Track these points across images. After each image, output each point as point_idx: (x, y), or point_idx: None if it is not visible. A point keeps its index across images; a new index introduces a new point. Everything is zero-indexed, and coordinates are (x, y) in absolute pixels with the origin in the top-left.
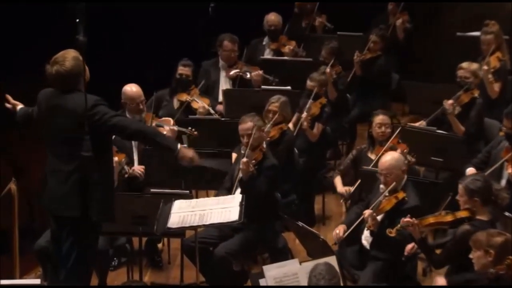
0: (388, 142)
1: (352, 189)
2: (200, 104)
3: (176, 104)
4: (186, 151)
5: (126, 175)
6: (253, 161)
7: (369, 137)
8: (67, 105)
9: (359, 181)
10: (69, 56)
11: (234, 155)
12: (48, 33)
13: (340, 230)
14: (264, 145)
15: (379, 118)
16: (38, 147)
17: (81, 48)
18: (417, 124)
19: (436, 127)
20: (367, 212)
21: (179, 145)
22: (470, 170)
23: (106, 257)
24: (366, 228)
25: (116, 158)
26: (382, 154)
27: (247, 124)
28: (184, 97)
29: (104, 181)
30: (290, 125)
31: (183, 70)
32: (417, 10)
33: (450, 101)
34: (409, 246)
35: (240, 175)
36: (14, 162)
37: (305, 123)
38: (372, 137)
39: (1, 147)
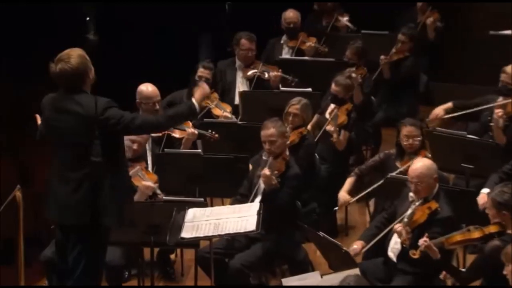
0: (416, 157)
1: (352, 200)
2: (223, 112)
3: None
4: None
5: (157, 197)
6: (276, 172)
7: (397, 146)
8: (74, 108)
9: (372, 187)
10: (75, 54)
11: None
12: (55, 33)
13: (358, 246)
14: (287, 152)
15: (407, 130)
16: (45, 152)
17: (92, 47)
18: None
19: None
20: (398, 226)
21: (193, 100)
22: (482, 197)
23: (120, 273)
24: (400, 243)
25: (138, 167)
26: (409, 166)
27: (269, 130)
28: (204, 102)
29: (117, 187)
30: (309, 127)
31: (203, 72)
32: (445, 7)
33: (500, 112)
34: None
35: (262, 184)
36: (20, 167)
37: (334, 136)
38: (401, 146)
39: (5, 152)
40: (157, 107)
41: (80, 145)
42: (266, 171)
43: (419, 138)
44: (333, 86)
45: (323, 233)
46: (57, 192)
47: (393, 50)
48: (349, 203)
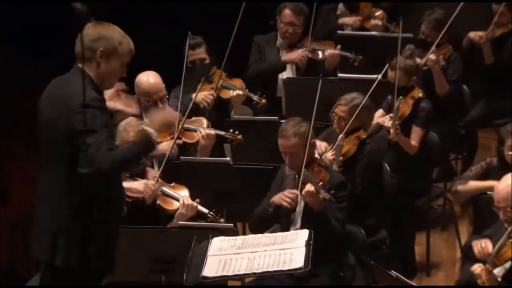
0: None
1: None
2: (232, 91)
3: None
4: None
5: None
6: (321, 183)
7: (499, 159)
8: (61, 94)
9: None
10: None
11: None
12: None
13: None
14: (317, 155)
15: None
16: (27, 164)
17: (80, 18)
18: None
19: None
20: (478, 268)
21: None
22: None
23: None
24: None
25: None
26: None
27: (290, 140)
28: (207, 89)
29: (108, 209)
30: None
31: (193, 54)
32: None
33: None
34: None
35: (298, 207)
36: None
37: (391, 131)
38: (504, 161)
39: None
40: (160, 105)
41: (65, 148)
42: (310, 187)
43: None
44: (389, 71)
45: (396, 273)
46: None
47: (492, 24)
48: None
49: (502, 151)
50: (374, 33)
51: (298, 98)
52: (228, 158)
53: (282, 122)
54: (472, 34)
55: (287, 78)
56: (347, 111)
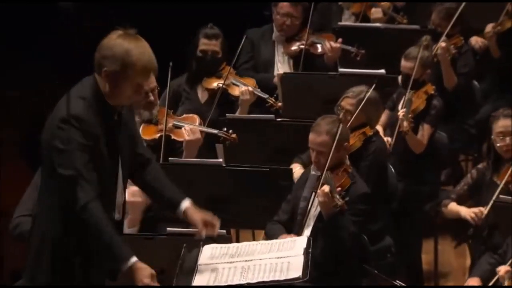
0: None
1: (485, 210)
2: (243, 87)
3: (202, 96)
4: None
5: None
6: (339, 190)
7: (489, 152)
8: (62, 99)
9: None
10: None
11: (298, 171)
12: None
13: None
14: (348, 162)
15: (501, 124)
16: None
17: (66, 16)
18: None
19: None
20: (502, 269)
21: (133, 259)
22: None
23: None
24: None
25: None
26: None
27: (320, 136)
28: (214, 82)
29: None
30: (379, 128)
31: (208, 44)
32: None
33: None
34: None
35: (313, 209)
36: None
37: (405, 124)
38: (495, 152)
39: None
40: (151, 98)
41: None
42: (326, 188)
43: None
44: (403, 62)
45: (401, 283)
46: None
47: (503, 16)
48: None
49: (492, 141)
50: (378, 24)
51: (296, 95)
52: (220, 160)
53: (279, 121)
54: (473, 40)
55: (284, 73)
56: (355, 104)
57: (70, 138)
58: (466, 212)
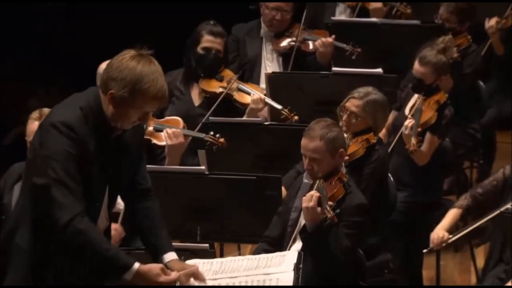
0: None
1: (451, 239)
2: (255, 96)
3: (197, 97)
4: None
5: None
6: (330, 203)
7: None
8: (57, 105)
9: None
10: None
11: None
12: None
13: None
14: (344, 170)
15: None
16: None
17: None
18: None
19: None
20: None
21: (136, 265)
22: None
23: None
24: None
25: None
26: None
27: (313, 142)
28: (215, 85)
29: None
30: (383, 132)
31: (212, 42)
32: None
33: None
34: None
35: (303, 221)
36: None
37: (413, 141)
38: None
39: None
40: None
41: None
42: (315, 193)
43: None
44: (416, 65)
45: None
46: None
47: (509, 10)
48: (446, 243)
49: None
50: (374, 20)
51: (286, 96)
52: (203, 167)
53: (268, 125)
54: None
55: (273, 72)
56: (361, 106)
57: (55, 142)
58: (436, 230)
